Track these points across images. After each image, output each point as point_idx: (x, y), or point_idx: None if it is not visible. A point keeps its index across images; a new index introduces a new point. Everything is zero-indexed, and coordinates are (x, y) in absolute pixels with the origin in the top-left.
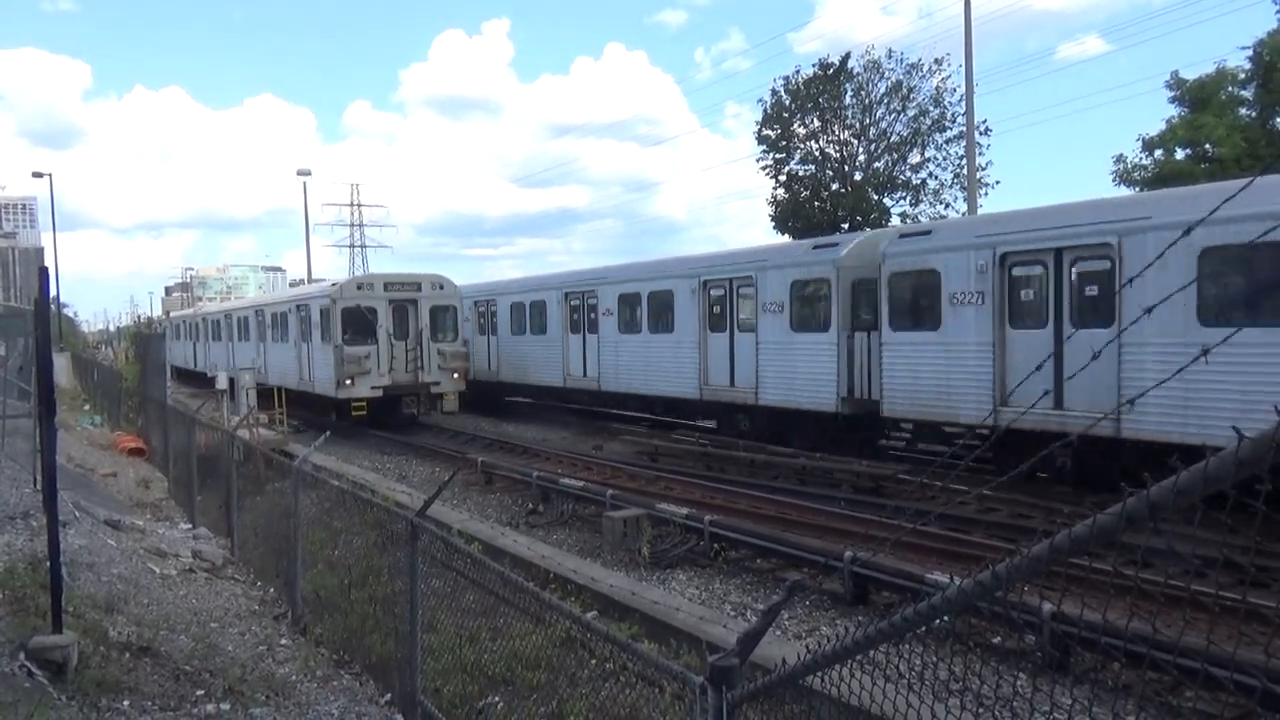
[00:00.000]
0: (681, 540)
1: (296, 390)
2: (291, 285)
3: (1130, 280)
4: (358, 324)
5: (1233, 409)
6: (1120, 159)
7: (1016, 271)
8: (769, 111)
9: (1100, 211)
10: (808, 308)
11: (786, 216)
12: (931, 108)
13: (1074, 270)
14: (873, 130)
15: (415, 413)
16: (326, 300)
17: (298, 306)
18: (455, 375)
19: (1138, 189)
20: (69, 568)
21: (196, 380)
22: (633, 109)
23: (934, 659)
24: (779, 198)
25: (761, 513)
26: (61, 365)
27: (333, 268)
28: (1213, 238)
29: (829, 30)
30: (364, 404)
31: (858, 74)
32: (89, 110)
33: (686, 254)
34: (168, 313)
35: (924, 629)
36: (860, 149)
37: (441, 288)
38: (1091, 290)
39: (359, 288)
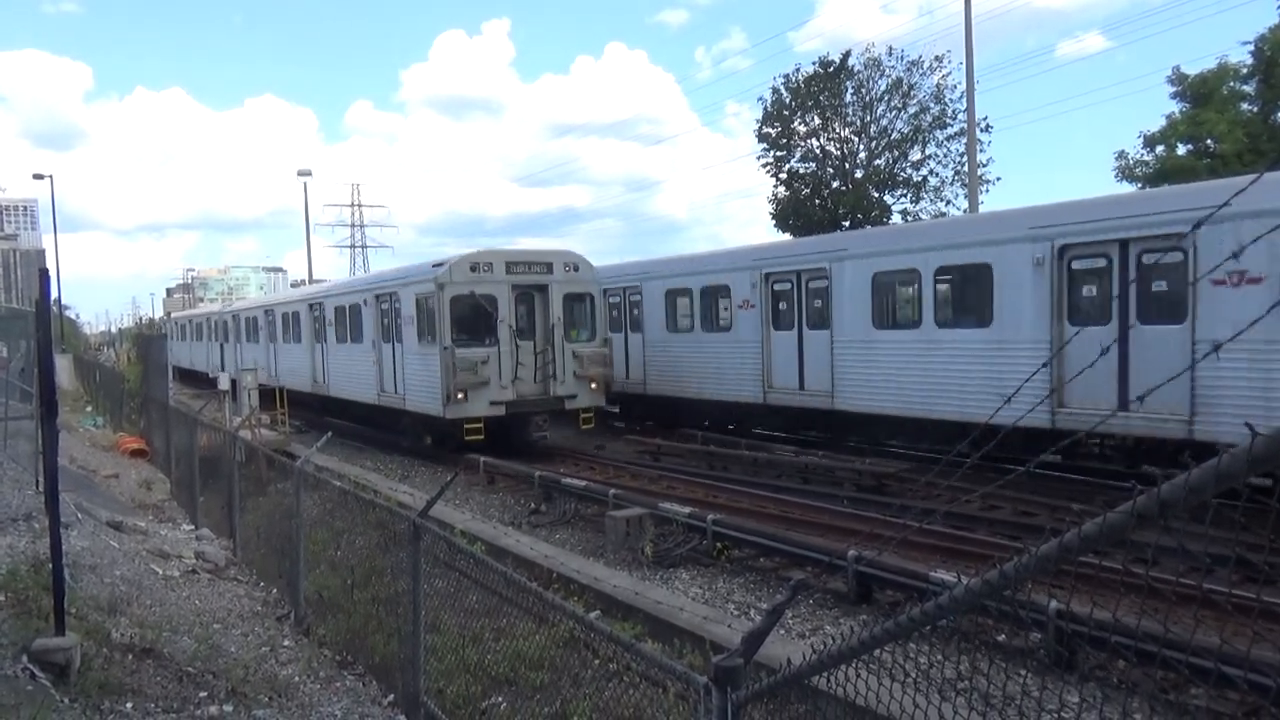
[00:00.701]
0: (684, 539)
1: (374, 406)
2: (293, 286)
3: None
4: (470, 318)
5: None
6: (1122, 155)
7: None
8: (769, 109)
9: (624, 269)
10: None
11: (787, 215)
12: (932, 105)
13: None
14: (873, 128)
15: (547, 435)
16: (429, 285)
17: (377, 296)
18: (593, 386)
19: (1140, 185)
20: (71, 569)
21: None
22: (634, 108)
23: (940, 658)
24: (780, 196)
25: (764, 511)
26: (63, 367)
27: (333, 268)
28: (671, 284)
29: (829, 29)
30: (481, 425)
31: (858, 72)
32: (90, 111)
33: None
34: (169, 313)
35: (929, 628)
36: (861, 146)
37: (576, 269)
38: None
39: (473, 269)
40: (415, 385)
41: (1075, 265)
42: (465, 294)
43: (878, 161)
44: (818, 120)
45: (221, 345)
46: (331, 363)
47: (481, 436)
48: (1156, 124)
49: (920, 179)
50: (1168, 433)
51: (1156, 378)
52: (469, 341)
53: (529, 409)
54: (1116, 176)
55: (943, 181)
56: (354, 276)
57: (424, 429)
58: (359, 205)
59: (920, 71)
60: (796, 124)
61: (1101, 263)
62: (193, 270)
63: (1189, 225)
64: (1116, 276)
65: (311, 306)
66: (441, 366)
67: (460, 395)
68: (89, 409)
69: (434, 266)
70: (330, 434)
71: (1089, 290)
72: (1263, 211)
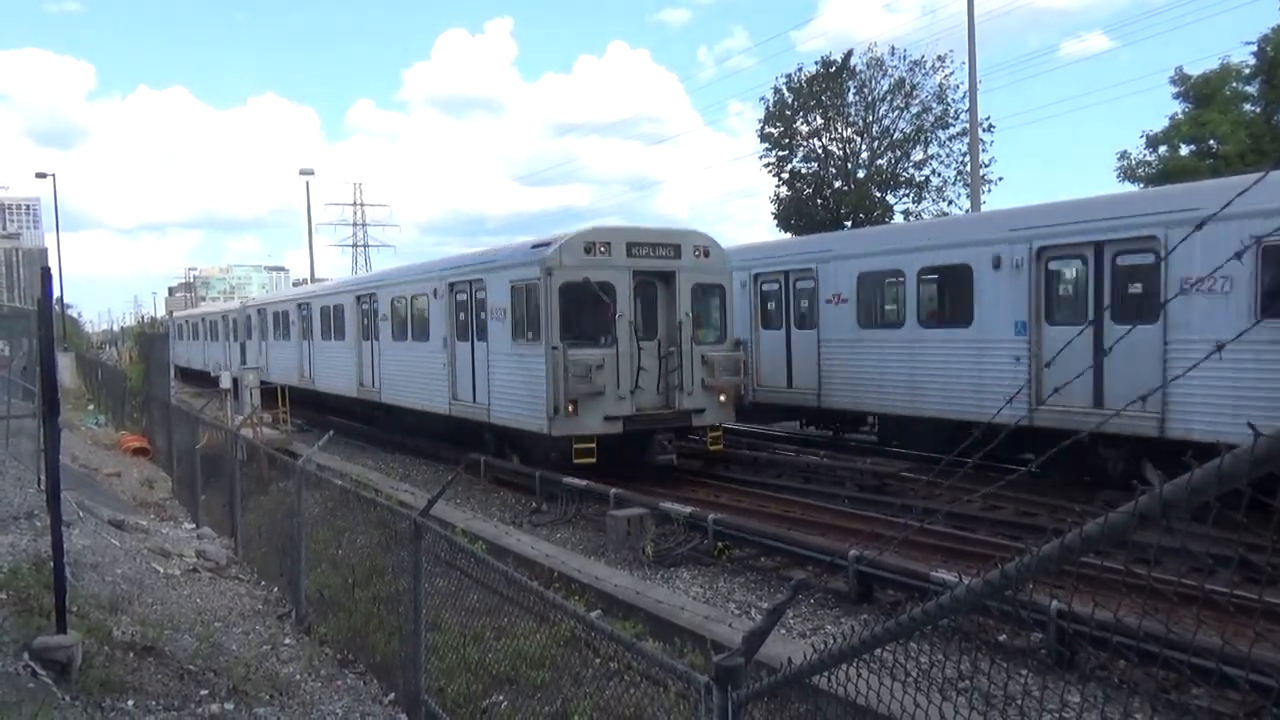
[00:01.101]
0: (685, 539)
1: (444, 417)
2: (295, 285)
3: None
4: (582, 311)
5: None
6: (1124, 155)
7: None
8: (771, 109)
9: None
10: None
11: (789, 214)
12: (934, 105)
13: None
14: (875, 127)
15: (673, 458)
16: (531, 270)
17: (452, 285)
18: (723, 399)
19: (1141, 185)
20: (73, 568)
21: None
22: (635, 107)
23: (940, 658)
24: (782, 196)
25: (765, 511)
26: (65, 365)
27: (335, 267)
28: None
29: (832, 28)
30: (593, 445)
31: (860, 71)
32: (93, 110)
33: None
34: (171, 312)
35: (930, 628)
36: (863, 146)
37: (707, 254)
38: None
39: (587, 250)
40: (506, 394)
41: (765, 287)
42: (578, 281)
43: (880, 161)
44: (820, 120)
45: (243, 344)
46: (385, 364)
47: (593, 459)
48: (1160, 124)
49: (923, 179)
50: (808, 403)
51: (807, 368)
52: (580, 341)
53: (649, 425)
54: (1119, 177)
55: (945, 181)
56: (416, 263)
57: (514, 447)
58: (361, 204)
59: (923, 71)
60: (799, 124)
61: (776, 286)
62: (195, 269)
63: (817, 262)
64: (784, 296)
65: (360, 298)
66: (548, 371)
67: (570, 408)
68: (91, 407)
69: (535, 247)
70: (332, 432)
71: (771, 305)
72: (849, 255)
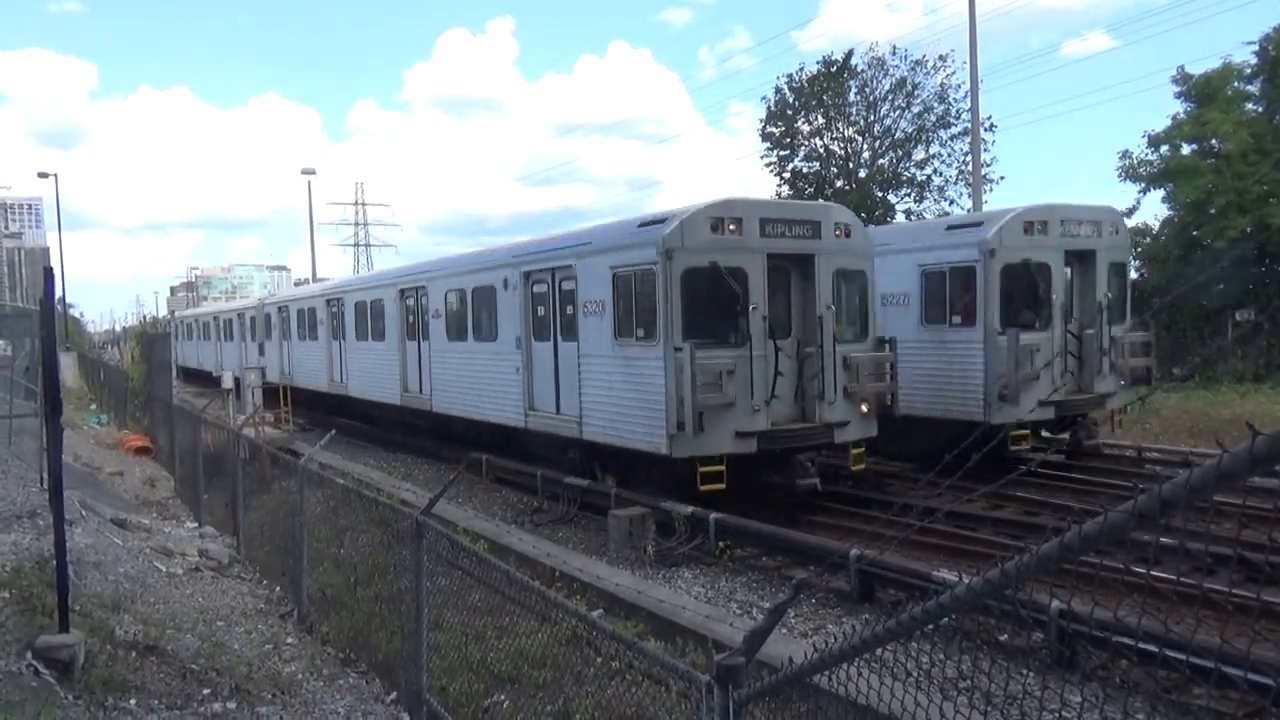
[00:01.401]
0: (687, 538)
1: (516, 430)
2: (296, 285)
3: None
4: (706, 304)
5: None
6: (1126, 155)
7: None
8: (773, 109)
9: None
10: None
11: None
12: (936, 104)
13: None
14: (877, 127)
15: (818, 483)
16: (644, 252)
17: (528, 274)
18: (865, 409)
19: (1143, 185)
20: (75, 567)
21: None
22: (637, 107)
23: (941, 657)
24: (783, 196)
25: (767, 511)
26: (68, 365)
27: (336, 267)
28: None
29: (833, 28)
30: (723, 467)
31: (862, 71)
32: (95, 110)
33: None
34: (173, 312)
35: (931, 627)
36: (865, 146)
37: (848, 234)
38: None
39: (714, 228)
40: (604, 405)
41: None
42: (703, 267)
43: (881, 161)
44: (821, 120)
45: (261, 345)
46: (438, 368)
47: (723, 485)
48: (1161, 123)
49: (924, 178)
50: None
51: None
52: (705, 340)
53: (787, 443)
54: (1120, 176)
55: (946, 181)
56: (478, 251)
57: (610, 468)
58: (363, 204)
59: (924, 71)
60: (800, 123)
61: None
62: (196, 269)
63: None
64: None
65: (403, 293)
66: (668, 378)
67: (697, 423)
68: (93, 407)
69: (643, 226)
70: (334, 432)
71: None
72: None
